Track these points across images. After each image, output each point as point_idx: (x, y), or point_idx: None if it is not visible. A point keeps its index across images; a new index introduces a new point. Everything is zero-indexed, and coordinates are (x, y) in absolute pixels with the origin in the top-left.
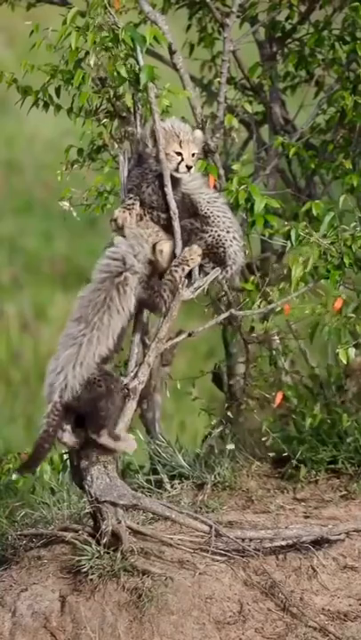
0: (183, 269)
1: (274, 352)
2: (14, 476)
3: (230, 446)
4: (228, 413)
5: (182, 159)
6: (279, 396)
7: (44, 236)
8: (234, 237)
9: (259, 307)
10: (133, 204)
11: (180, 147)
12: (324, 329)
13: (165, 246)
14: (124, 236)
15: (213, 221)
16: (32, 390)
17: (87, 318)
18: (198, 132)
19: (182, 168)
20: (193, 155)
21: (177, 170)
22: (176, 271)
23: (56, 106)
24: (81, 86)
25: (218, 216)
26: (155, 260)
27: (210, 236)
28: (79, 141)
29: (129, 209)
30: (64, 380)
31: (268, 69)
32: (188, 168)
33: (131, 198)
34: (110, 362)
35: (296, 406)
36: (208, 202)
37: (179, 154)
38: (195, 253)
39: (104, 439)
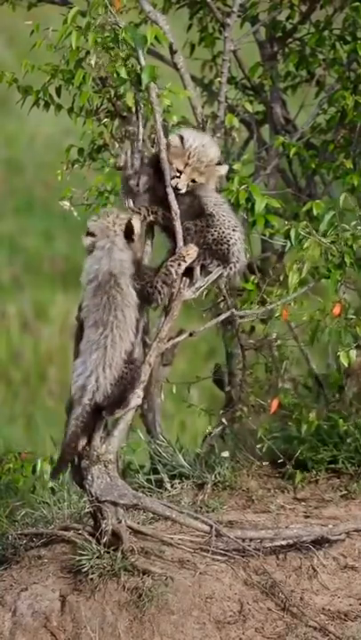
0: (179, 264)
1: (270, 359)
2: (50, 483)
3: (225, 454)
4: (223, 420)
5: (179, 177)
6: (275, 403)
7: (44, 235)
8: (238, 237)
9: (257, 306)
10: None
11: (183, 167)
12: (325, 331)
13: (135, 221)
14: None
15: (218, 220)
16: (32, 390)
17: (103, 320)
18: (223, 168)
19: (173, 182)
20: (193, 181)
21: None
22: (172, 265)
23: (57, 105)
24: (82, 86)
25: (223, 215)
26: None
27: (215, 231)
28: (80, 141)
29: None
30: (96, 382)
31: (269, 69)
32: (177, 189)
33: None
34: (133, 354)
35: (292, 412)
36: (215, 204)
37: (179, 171)
38: (192, 249)
39: (118, 413)
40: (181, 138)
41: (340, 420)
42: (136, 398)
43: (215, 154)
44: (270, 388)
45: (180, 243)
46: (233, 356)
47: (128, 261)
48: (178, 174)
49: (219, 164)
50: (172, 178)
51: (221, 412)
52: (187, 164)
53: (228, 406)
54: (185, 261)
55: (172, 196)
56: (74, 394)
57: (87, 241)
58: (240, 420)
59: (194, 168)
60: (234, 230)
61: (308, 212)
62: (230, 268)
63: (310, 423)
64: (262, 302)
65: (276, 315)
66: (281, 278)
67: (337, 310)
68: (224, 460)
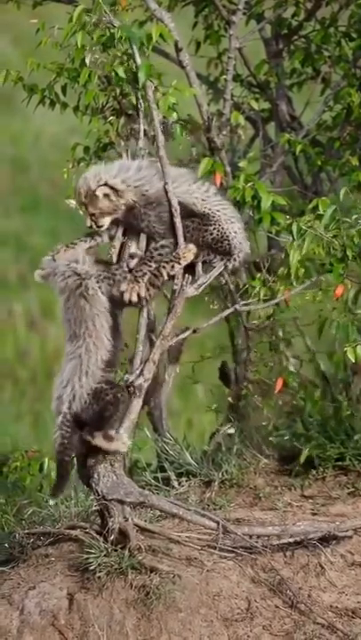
0: (173, 267)
1: (275, 338)
2: (51, 502)
3: (231, 430)
4: (229, 399)
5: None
6: (280, 382)
7: (50, 234)
8: (238, 228)
9: (259, 294)
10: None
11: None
12: (333, 325)
13: (77, 251)
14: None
15: (214, 217)
16: (39, 388)
17: (76, 333)
18: (98, 191)
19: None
20: (92, 215)
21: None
22: (164, 267)
23: (62, 104)
24: (87, 84)
25: (217, 210)
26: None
27: (214, 228)
28: (85, 139)
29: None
30: (72, 390)
31: (275, 66)
32: (88, 226)
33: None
34: (115, 366)
35: (297, 392)
36: (203, 200)
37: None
38: (189, 251)
39: (98, 440)
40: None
41: (344, 403)
42: (121, 444)
43: (89, 183)
44: (275, 366)
45: (181, 239)
46: (237, 337)
47: (90, 264)
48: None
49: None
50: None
51: (227, 391)
52: (79, 204)
53: (234, 387)
54: (179, 263)
55: (170, 193)
56: (53, 408)
57: (39, 275)
58: (246, 398)
59: (80, 203)
60: (232, 222)
61: (313, 210)
62: (235, 259)
63: (315, 402)
64: (270, 291)
65: (278, 297)
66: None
67: (339, 291)
68: (231, 458)
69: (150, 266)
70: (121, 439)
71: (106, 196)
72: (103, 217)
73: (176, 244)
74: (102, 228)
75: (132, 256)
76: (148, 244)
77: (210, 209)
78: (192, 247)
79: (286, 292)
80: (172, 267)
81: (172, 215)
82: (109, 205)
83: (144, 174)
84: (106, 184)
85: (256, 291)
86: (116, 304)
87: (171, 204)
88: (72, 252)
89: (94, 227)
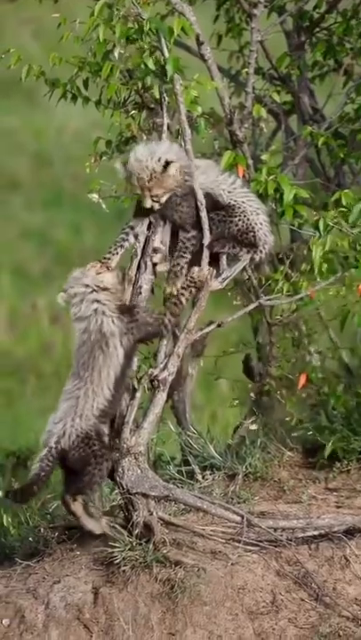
0: (191, 292)
1: (298, 333)
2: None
3: (253, 426)
4: (252, 394)
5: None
6: (303, 378)
7: (73, 228)
8: (263, 220)
9: (283, 293)
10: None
11: (138, 189)
12: (355, 318)
13: (107, 276)
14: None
15: (239, 208)
16: (63, 383)
17: (80, 374)
18: (171, 167)
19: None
20: (155, 196)
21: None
22: (183, 294)
23: (84, 98)
24: (109, 78)
25: (243, 202)
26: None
27: (240, 220)
28: (108, 133)
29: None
30: (62, 427)
31: (297, 59)
32: (148, 208)
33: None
34: (109, 417)
35: (320, 387)
36: (229, 192)
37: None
38: (203, 276)
39: (77, 506)
40: (122, 164)
41: None
42: (98, 526)
43: (151, 163)
44: (297, 361)
45: (207, 232)
46: (260, 332)
47: (118, 320)
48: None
49: (166, 164)
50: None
51: (250, 385)
52: (137, 186)
53: (257, 382)
54: (196, 287)
55: (196, 187)
56: (42, 439)
57: (62, 299)
58: (269, 394)
59: (142, 187)
60: (257, 214)
61: (336, 202)
62: (261, 252)
63: (338, 397)
64: (291, 283)
65: (303, 293)
66: (305, 252)
67: None
68: (255, 451)
69: (185, 256)
70: (99, 522)
71: (175, 172)
72: (165, 195)
73: (202, 237)
74: (155, 207)
75: (155, 250)
76: (173, 238)
77: (235, 200)
78: (206, 270)
79: (312, 291)
80: (190, 292)
81: (197, 209)
82: (173, 183)
83: (189, 165)
84: (168, 162)
85: (280, 286)
86: (136, 346)
87: (197, 197)
88: (102, 275)
89: (155, 207)
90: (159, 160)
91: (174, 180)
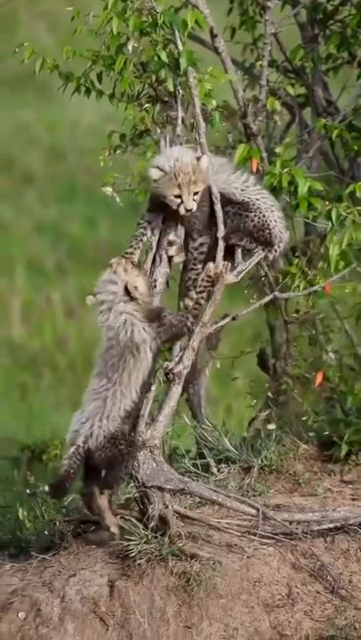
0: (208, 291)
1: (315, 332)
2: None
3: (272, 426)
4: (269, 394)
5: (182, 201)
6: (320, 376)
7: (87, 221)
8: (278, 217)
9: (299, 287)
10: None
11: (180, 189)
12: None
13: (138, 282)
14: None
15: (254, 204)
16: (78, 376)
17: (108, 375)
18: (203, 161)
19: (182, 210)
20: (195, 193)
21: (177, 211)
22: (201, 297)
23: (98, 91)
24: (123, 71)
25: (257, 199)
26: (135, 298)
27: (255, 216)
28: (121, 127)
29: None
30: (90, 428)
31: (310, 51)
32: (188, 210)
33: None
34: (131, 419)
35: (337, 385)
36: (242, 190)
37: (178, 196)
38: (219, 272)
39: (103, 500)
40: (158, 167)
41: None
42: (114, 527)
43: (189, 158)
44: (314, 360)
45: (221, 225)
46: (276, 330)
47: (148, 327)
48: (179, 200)
49: (197, 159)
50: (178, 206)
51: (267, 385)
52: (180, 185)
53: (273, 379)
54: (213, 285)
55: (211, 179)
56: (68, 437)
57: (90, 301)
58: (285, 393)
59: (186, 184)
60: (272, 211)
61: (351, 195)
62: (275, 250)
63: (355, 395)
64: (305, 277)
65: (319, 286)
66: (322, 250)
67: None
68: (270, 444)
69: (196, 269)
70: (114, 524)
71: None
72: (200, 193)
73: (217, 231)
74: (193, 209)
75: (170, 243)
76: (186, 240)
77: (249, 198)
78: (220, 263)
79: (328, 287)
80: (208, 291)
81: (212, 203)
82: (205, 177)
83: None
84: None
85: (296, 284)
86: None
87: (212, 191)
88: (137, 281)
89: (194, 208)
90: (198, 158)
91: (206, 175)
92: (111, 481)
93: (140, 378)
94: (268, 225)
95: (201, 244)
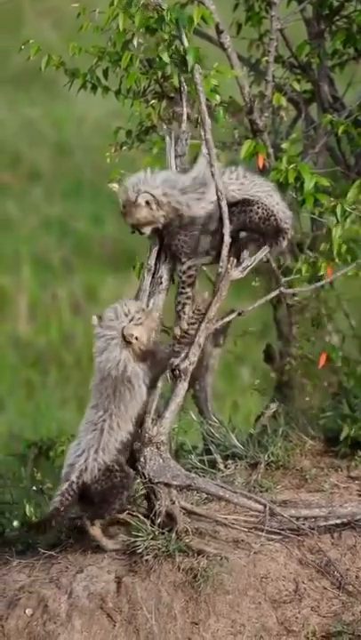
0: (199, 324)
1: (317, 314)
2: (15, 523)
3: (274, 405)
4: (273, 374)
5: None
6: (323, 357)
7: (93, 218)
8: (277, 200)
9: (301, 274)
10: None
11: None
12: None
13: (139, 332)
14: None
15: (253, 197)
16: (84, 373)
17: (104, 405)
18: (140, 198)
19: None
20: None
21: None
22: (192, 328)
23: (104, 88)
24: (129, 68)
25: (256, 192)
26: (132, 345)
27: (258, 207)
28: (128, 123)
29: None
30: (85, 461)
31: (316, 47)
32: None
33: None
34: (127, 450)
35: (340, 368)
36: (239, 189)
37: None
38: (213, 306)
39: (95, 530)
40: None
41: None
42: (113, 544)
43: (130, 192)
44: (317, 342)
45: (227, 222)
46: (278, 312)
47: (141, 366)
48: (133, 230)
49: (138, 195)
50: (132, 232)
51: (272, 375)
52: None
53: (279, 361)
54: (203, 318)
55: (217, 175)
56: (63, 472)
57: (95, 322)
58: (289, 374)
59: (121, 212)
60: (271, 196)
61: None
62: (286, 233)
63: (358, 378)
64: (315, 279)
65: (322, 280)
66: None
67: None
68: (277, 440)
69: (186, 292)
70: (117, 540)
71: (147, 204)
72: (142, 227)
73: (222, 234)
74: (144, 235)
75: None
76: (173, 265)
77: (248, 193)
78: (225, 260)
79: (329, 270)
80: (199, 324)
81: (218, 198)
82: (147, 216)
83: (185, 198)
84: (146, 192)
85: (298, 266)
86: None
87: (216, 186)
88: (136, 330)
89: (137, 233)
90: (138, 190)
91: (149, 213)
92: (103, 513)
93: (135, 410)
94: (273, 211)
95: (189, 268)
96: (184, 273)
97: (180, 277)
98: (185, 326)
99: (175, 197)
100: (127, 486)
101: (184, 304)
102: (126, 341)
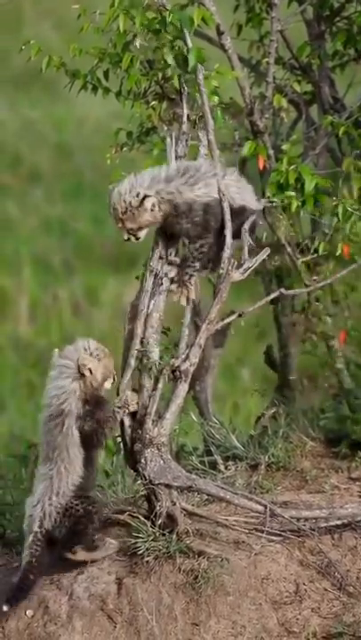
0: (124, 412)
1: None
2: (4, 608)
3: (272, 409)
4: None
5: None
6: (342, 335)
7: (94, 219)
8: (236, 191)
9: (303, 273)
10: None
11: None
12: None
13: (91, 363)
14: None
15: (231, 198)
16: None
17: (49, 456)
18: (148, 201)
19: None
20: (131, 230)
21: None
22: (118, 412)
23: (104, 89)
24: (129, 69)
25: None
26: (84, 379)
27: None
28: (128, 124)
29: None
30: (42, 509)
31: (317, 48)
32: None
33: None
34: (89, 490)
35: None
36: (237, 193)
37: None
38: (134, 399)
39: (80, 555)
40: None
41: None
42: (105, 546)
43: (129, 197)
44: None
45: (229, 223)
46: (284, 333)
47: (80, 407)
48: (128, 237)
49: (144, 197)
50: (127, 240)
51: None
52: (116, 219)
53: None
54: (128, 410)
55: (219, 177)
56: (24, 526)
57: (55, 355)
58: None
59: (119, 219)
60: (238, 193)
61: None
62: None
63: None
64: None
65: (326, 282)
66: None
67: None
68: (277, 441)
69: (194, 266)
70: (106, 543)
71: (152, 207)
72: (141, 230)
73: (221, 234)
74: (139, 241)
75: (171, 263)
76: (185, 246)
77: (243, 200)
78: (132, 394)
79: (345, 247)
80: (124, 412)
81: (220, 200)
82: (149, 218)
83: (173, 186)
84: (147, 195)
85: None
86: (100, 439)
87: (219, 188)
88: (95, 364)
89: (132, 240)
90: (137, 195)
91: (151, 215)
92: (79, 542)
93: (77, 455)
94: (244, 206)
95: (201, 245)
96: (196, 250)
97: (192, 252)
98: (193, 296)
99: (164, 190)
100: (94, 510)
101: (191, 275)
102: (80, 373)
